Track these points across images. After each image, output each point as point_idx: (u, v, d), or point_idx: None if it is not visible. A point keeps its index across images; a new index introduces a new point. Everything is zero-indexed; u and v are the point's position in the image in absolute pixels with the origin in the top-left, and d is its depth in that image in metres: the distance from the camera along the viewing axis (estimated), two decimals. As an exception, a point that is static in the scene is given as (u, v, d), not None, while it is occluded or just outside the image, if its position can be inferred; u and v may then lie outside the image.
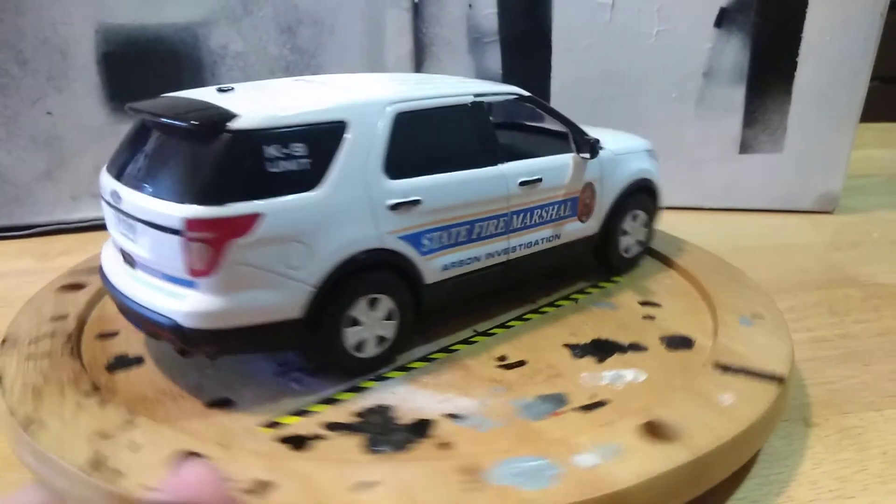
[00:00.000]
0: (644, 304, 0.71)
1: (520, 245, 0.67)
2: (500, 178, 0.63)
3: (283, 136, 0.51)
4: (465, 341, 0.62)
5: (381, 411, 0.52)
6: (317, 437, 0.49)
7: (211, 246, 0.48)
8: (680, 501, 0.45)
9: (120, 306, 0.56)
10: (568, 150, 0.70)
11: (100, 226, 1.05)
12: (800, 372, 0.62)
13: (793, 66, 1.00)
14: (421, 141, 0.59)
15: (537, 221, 0.68)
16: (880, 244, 0.96)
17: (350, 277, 0.55)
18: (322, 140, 0.53)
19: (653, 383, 0.56)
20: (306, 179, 0.52)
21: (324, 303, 0.54)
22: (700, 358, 0.59)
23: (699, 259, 0.80)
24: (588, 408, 0.53)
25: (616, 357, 0.60)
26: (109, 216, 0.56)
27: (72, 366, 0.54)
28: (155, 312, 0.51)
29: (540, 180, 0.66)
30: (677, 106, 1.05)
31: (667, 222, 0.92)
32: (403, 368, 0.58)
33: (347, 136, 0.54)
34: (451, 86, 0.65)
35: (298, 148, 0.52)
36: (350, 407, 0.52)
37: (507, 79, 1.04)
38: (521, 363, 0.59)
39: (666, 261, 0.81)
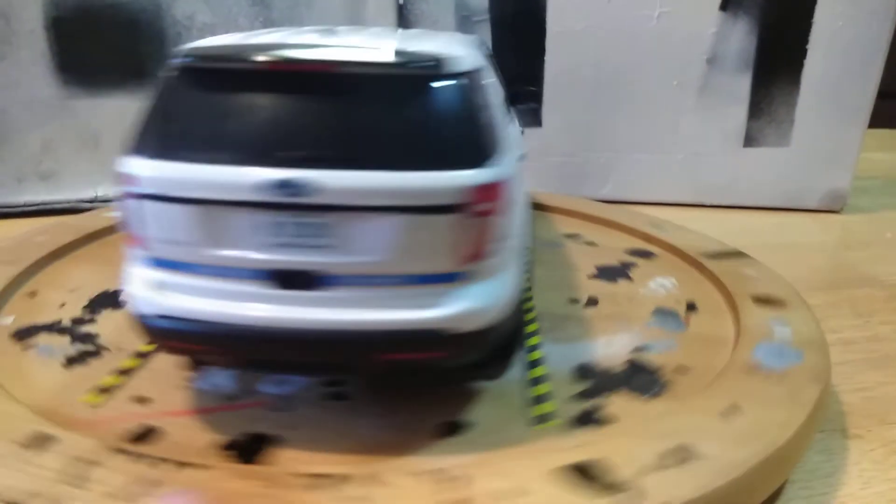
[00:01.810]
0: (568, 237, 0.75)
1: None
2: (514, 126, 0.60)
3: (482, 81, 0.42)
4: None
5: (590, 368, 0.50)
6: (598, 409, 0.45)
7: (494, 217, 0.38)
8: None
9: (298, 350, 0.40)
10: None
11: (47, 211, 0.96)
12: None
13: (802, 53, 0.94)
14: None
15: None
16: (895, 244, 0.89)
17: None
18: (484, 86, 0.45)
19: (688, 281, 0.63)
20: (498, 129, 0.43)
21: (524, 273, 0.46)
22: (674, 257, 0.68)
23: (562, 200, 0.86)
24: (692, 309, 0.58)
25: (634, 273, 0.65)
26: (237, 226, 0.38)
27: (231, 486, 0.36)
28: (401, 332, 0.38)
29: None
30: (678, 94, 0.97)
31: (664, 219, 0.85)
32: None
33: (486, 83, 0.45)
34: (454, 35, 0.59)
35: (485, 94, 0.42)
36: (560, 377, 0.49)
37: (498, 61, 0.97)
38: (592, 300, 0.60)
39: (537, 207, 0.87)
